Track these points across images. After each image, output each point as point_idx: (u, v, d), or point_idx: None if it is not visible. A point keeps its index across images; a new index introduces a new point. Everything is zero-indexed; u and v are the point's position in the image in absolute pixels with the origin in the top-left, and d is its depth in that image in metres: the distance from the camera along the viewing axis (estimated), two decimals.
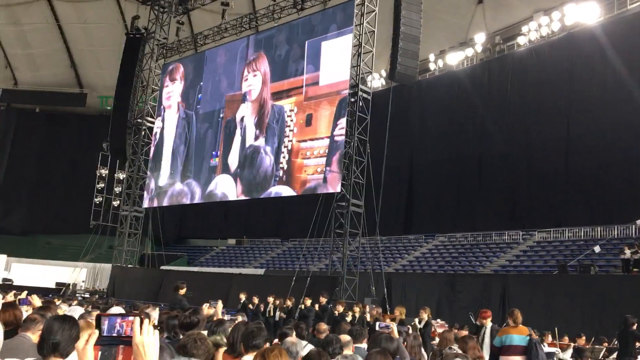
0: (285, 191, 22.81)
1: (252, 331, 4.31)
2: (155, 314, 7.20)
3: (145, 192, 29.76)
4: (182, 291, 10.34)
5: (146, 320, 2.11)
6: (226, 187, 25.60)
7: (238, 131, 25.39)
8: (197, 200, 27.35)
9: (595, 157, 24.20)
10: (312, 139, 22.12)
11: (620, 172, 23.41)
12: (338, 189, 20.42)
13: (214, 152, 26.65)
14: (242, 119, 25.38)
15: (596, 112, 24.62)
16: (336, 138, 20.84)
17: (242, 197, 25.42)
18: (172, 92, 29.69)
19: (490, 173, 28.18)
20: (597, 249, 21.42)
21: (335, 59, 21.72)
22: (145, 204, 29.70)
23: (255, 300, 15.77)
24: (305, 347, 5.61)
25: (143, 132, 30.86)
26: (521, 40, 28.90)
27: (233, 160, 25.40)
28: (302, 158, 22.26)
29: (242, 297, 15.91)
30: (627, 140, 23.18)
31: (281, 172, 22.92)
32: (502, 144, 27.77)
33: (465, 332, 11.20)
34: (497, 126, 28.30)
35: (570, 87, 25.88)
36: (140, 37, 31.14)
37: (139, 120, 31.08)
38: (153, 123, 30.66)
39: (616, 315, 16.21)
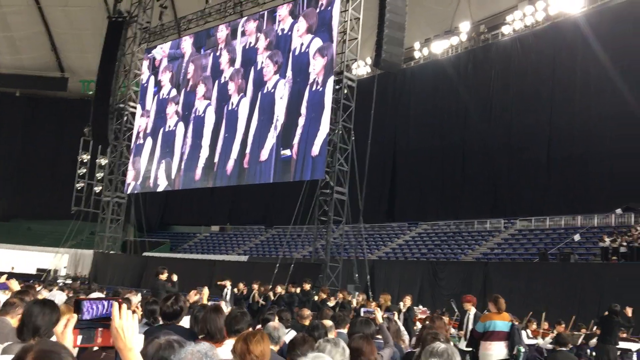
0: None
1: (235, 316, 4.32)
2: (136, 299, 7.18)
3: (127, 178, 29.48)
4: (163, 276, 10.30)
5: (124, 305, 2.10)
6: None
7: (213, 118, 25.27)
8: (174, 187, 27.29)
9: (576, 147, 24.45)
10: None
11: (601, 162, 23.65)
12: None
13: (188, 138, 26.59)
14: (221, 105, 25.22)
15: (579, 102, 24.84)
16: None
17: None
18: (164, 74, 29.25)
19: (474, 161, 28.33)
20: (577, 237, 21.70)
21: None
22: (128, 190, 29.46)
23: (241, 286, 15.75)
24: (289, 333, 5.61)
25: (125, 118, 30.51)
26: (506, 29, 28.97)
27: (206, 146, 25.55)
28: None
29: (227, 284, 15.84)
30: (609, 130, 23.41)
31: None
32: (486, 133, 27.91)
33: (447, 319, 11.32)
34: (480, 115, 28.43)
35: (553, 77, 26.04)
36: (122, 20, 30.68)
37: (121, 105, 30.70)
38: (135, 108, 30.30)
39: (595, 302, 16.50)
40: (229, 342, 3.94)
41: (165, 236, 39.34)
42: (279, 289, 14.74)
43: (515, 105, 27.10)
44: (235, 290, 15.51)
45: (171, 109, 28.06)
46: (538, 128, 26.02)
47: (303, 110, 21.59)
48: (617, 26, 23.99)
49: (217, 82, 26.04)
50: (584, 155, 24.16)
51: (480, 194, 27.66)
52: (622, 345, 10.94)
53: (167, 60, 29.05)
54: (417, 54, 32.39)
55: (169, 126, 27.89)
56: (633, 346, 11.63)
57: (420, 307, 17.26)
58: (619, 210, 22.20)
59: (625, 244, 18.54)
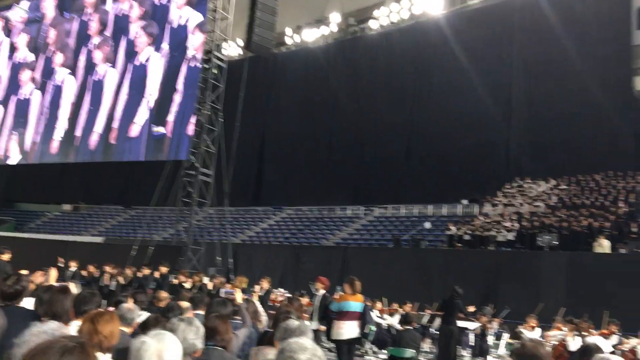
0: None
1: (83, 297, 4.11)
2: None
3: None
4: (5, 257, 9.47)
5: None
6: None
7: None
8: (28, 161, 25.03)
9: (431, 142, 26.18)
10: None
11: (452, 156, 25.56)
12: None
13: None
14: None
15: (437, 99, 26.56)
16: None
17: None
18: (19, 36, 26.48)
19: (339, 150, 29.25)
20: (427, 225, 23.32)
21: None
22: None
23: (91, 268, 14.93)
24: (142, 315, 5.43)
25: None
26: (373, 24, 30.08)
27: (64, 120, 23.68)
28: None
29: (73, 265, 14.89)
30: (462, 128, 25.33)
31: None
32: (353, 123, 28.89)
33: (307, 300, 11.61)
34: (348, 105, 29.36)
35: (416, 74, 27.58)
36: None
37: None
38: None
39: (441, 285, 17.82)
40: (76, 324, 3.71)
41: (9, 214, 36.17)
42: (128, 272, 14.19)
43: (380, 99, 28.33)
44: (85, 272, 14.70)
45: (26, 75, 25.62)
46: (399, 122, 27.45)
47: (180, 86, 20.62)
48: (473, 30, 25.94)
49: (82, 49, 24.18)
50: (437, 149, 25.91)
51: (343, 182, 28.64)
52: (460, 324, 11.87)
53: (25, 23, 26.49)
54: (288, 40, 32.59)
55: (24, 94, 25.49)
56: (470, 325, 12.70)
57: (281, 290, 17.55)
58: (465, 201, 24.18)
59: (469, 232, 20.24)
